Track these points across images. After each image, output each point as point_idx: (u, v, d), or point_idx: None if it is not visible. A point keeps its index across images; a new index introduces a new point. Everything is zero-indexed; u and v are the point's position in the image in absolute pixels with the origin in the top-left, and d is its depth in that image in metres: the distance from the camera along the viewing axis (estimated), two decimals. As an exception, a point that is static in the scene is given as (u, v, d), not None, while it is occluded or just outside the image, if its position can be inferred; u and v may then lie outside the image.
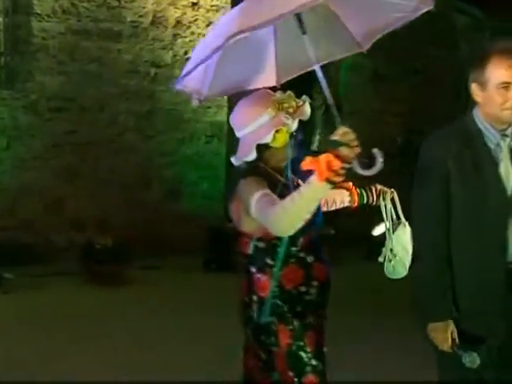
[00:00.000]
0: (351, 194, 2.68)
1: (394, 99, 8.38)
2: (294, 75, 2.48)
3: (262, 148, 2.25)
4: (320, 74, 2.08)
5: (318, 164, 1.86)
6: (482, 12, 8.37)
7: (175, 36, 7.30)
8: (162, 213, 7.16)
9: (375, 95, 8.26)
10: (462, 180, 2.35)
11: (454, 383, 2.46)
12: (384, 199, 2.58)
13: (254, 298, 2.26)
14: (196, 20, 7.39)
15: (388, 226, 2.60)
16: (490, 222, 2.34)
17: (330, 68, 8.41)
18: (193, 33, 7.39)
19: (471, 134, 2.37)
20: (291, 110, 2.23)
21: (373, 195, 2.62)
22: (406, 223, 2.58)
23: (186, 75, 2.25)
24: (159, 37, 7.22)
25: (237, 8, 2.16)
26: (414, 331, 4.90)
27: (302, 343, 2.23)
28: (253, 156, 2.23)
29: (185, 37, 7.36)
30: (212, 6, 7.46)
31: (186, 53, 7.35)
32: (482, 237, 2.35)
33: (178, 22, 7.30)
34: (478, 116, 2.39)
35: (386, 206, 2.57)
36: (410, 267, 2.59)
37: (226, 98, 7.62)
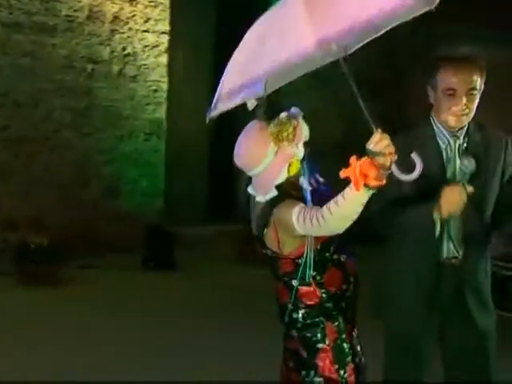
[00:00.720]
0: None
1: (337, 101, 8.48)
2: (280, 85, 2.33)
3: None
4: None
5: (353, 173, 1.89)
6: (419, 18, 8.56)
7: (113, 31, 7.17)
8: (100, 211, 7.03)
9: (317, 96, 8.34)
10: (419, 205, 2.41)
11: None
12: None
13: (301, 305, 2.32)
14: (134, 16, 7.28)
15: None
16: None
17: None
18: (131, 28, 7.28)
19: (426, 133, 2.46)
20: (291, 137, 2.21)
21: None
22: None
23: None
24: (96, 32, 7.07)
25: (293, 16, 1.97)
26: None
27: (344, 336, 2.32)
28: (273, 194, 2.24)
29: (123, 32, 7.24)
30: (150, 1, 7.36)
31: (124, 49, 7.25)
32: (422, 232, 2.43)
33: (116, 18, 7.17)
34: (433, 117, 2.46)
35: None
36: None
37: (164, 95, 7.59)
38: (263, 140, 2.22)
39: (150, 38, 7.40)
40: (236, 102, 2.15)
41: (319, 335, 2.30)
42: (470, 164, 2.39)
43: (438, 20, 8.50)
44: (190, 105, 8.03)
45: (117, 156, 7.33)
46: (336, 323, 2.31)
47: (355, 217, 2.04)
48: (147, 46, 7.39)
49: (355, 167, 1.89)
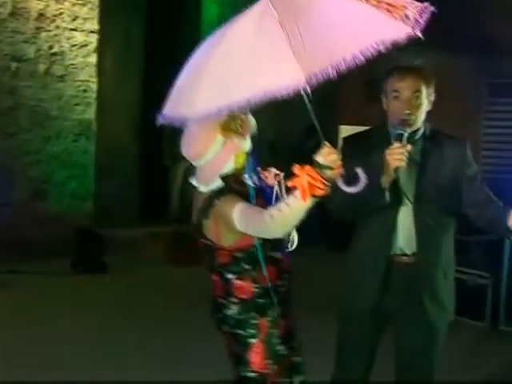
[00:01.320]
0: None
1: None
2: None
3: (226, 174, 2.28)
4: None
5: (301, 184, 1.96)
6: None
7: (38, 29, 6.94)
8: (28, 214, 6.82)
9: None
10: (368, 178, 2.47)
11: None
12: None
13: (234, 299, 2.32)
14: (61, 13, 7.08)
15: None
16: (383, 216, 2.53)
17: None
18: (58, 27, 7.07)
19: (382, 136, 2.57)
20: (239, 130, 2.26)
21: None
22: None
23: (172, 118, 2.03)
24: (20, 29, 6.81)
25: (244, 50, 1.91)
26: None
27: (275, 331, 2.34)
28: (217, 184, 2.26)
29: (49, 30, 7.02)
30: (78, -1, 7.20)
31: (50, 47, 7.04)
32: (374, 228, 2.57)
33: (41, 15, 6.94)
34: (387, 121, 2.60)
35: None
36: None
37: (94, 95, 7.44)
38: (211, 131, 2.24)
39: (79, 37, 7.23)
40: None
41: (252, 331, 2.32)
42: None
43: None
44: (121, 105, 7.92)
45: (44, 157, 7.12)
46: (269, 318, 2.33)
47: (296, 223, 2.11)
48: (75, 45, 7.21)
49: (303, 178, 1.95)
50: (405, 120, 2.49)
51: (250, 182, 2.31)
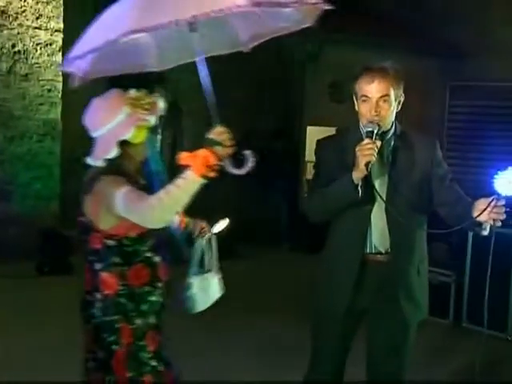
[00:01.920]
0: (180, 220, 2.74)
1: (232, 100, 8.54)
2: (179, 63, 2.56)
3: (122, 145, 2.26)
4: (203, 70, 2.24)
5: (195, 160, 2.00)
6: (313, 26, 8.82)
7: (0, 27, 6.83)
8: (-9, 215, 6.70)
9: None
10: (342, 177, 2.56)
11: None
12: (202, 238, 2.63)
13: (98, 296, 2.24)
14: (24, 11, 6.96)
15: (193, 264, 2.59)
16: (356, 215, 2.58)
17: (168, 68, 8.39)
18: (21, 25, 6.95)
19: (355, 136, 2.60)
20: (148, 107, 2.28)
21: (196, 229, 2.67)
22: (215, 275, 2.67)
23: (76, 58, 2.23)
24: (-20, 26, 6.71)
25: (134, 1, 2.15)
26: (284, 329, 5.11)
27: (143, 343, 2.24)
28: (114, 153, 2.24)
29: (11, 28, 6.90)
30: (42, -3, 7.09)
31: (13, 46, 6.92)
32: (348, 227, 2.62)
33: (3, 12, 6.82)
34: (359, 122, 2.64)
35: (202, 247, 2.61)
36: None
37: (59, 95, 7.33)
38: (117, 101, 2.27)
39: (43, 36, 7.11)
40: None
41: (114, 337, 2.22)
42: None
43: (333, 28, 8.83)
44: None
45: (7, 158, 6.99)
46: (133, 326, 2.24)
47: (179, 209, 2.12)
48: (40, 43, 7.10)
49: (197, 155, 2.01)
50: (374, 121, 2.53)
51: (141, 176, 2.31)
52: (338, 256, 2.67)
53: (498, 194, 2.29)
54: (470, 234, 5.09)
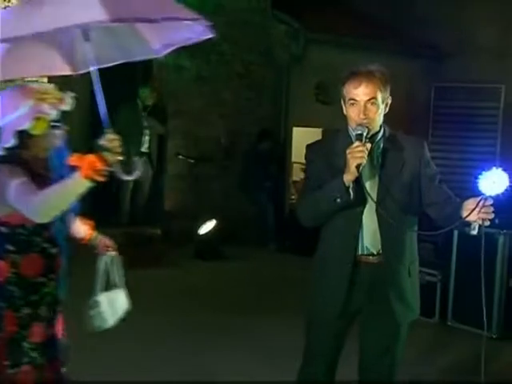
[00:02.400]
0: (87, 233, 2.82)
1: (219, 101, 8.54)
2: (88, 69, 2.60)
3: (23, 136, 2.31)
4: (95, 78, 2.33)
5: (83, 162, 2.08)
6: (298, 22, 8.86)
7: None
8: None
9: (199, 96, 8.36)
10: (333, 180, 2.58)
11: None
12: (106, 255, 2.72)
13: None
14: None
15: (99, 282, 2.69)
16: (348, 217, 2.60)
17: (153, 68, 8.37)
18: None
19: (344, 139, 2.63)
20: (52, 101, 2.34)
21: (100, 246, 2.74)
22: (121, 290, 2.77)
23: None
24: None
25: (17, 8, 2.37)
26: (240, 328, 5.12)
27: (26, 333, 2.24)
28: (12, 142, 2.28)
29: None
30: None
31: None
32: (340, 228, 2.64)
33: None
34: (348, 125, 2.66)
35: (106, 264, 2.70)
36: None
37: None
38: (24, 94, 2.32)
39: None
40: None
41: None
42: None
43: (318, 29, 8.84)
44: (69, 112, 7.79)
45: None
46: (19, 315, 2.24)
47: (65, 208, 2.19)
48: None
49: (85, 158, 2.09)
50: (362, 124, 2.55)
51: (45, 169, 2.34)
52: (331, 257, 2.68)
53: (478, 193, 2.32)
54: (456, 234, 5.13)
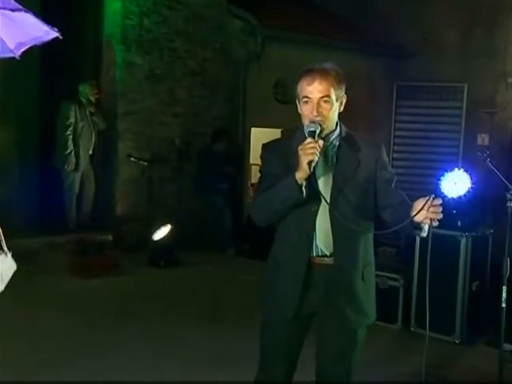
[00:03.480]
0: None
1: (172, 100, 8.51)
2: None
3: None
4: None
5: None
6: (255, 18, 8.90)
7: None
8: None
9: (152, 95, 8.32)
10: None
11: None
12: None
13: None
14: None
15: None
16: (301, 217, 2.64)
17: (102, 65, 8.29)
18: None
19: (299, 139, 2.63)
20: None
21: None
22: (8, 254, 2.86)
23: None
24: None
25: None
26: (199, 335, 5.11)
27: None
28: None
29: None
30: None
31: None
32: (293, 230, 2.67)
33: None
34: (303, 125, 2.68)
35: None
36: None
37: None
38: None
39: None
40: None
41: None
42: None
43: (277, 26, 8.89)
44: (17, 109, 7.68)
45: None
46: None
47: None
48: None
49: None
50: (315, 121, 2.59)
51: None
52: (285, 258, 2.71)
53: (438, 194, 2.36)
54: (418, 238, 5.23)
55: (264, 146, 2.84)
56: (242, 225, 8.49)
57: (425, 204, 2.34)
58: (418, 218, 2.37)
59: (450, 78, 9.89)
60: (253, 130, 9.06)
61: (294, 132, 2.77)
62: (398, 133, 10.45)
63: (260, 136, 8.49)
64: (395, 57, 10.34)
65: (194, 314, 5.57)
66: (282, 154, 2.71)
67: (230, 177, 8.63)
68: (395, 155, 10.22)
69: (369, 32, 10.25)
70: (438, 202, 2.35)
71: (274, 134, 7.94)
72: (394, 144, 10.34)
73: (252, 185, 9.03)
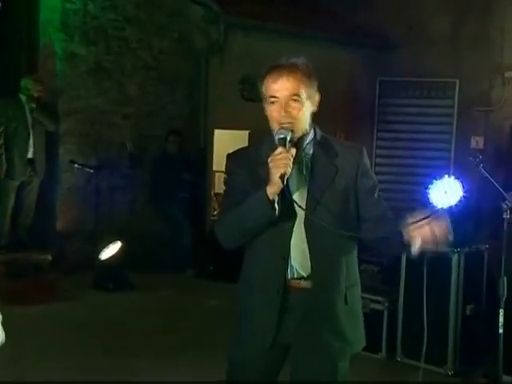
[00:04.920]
0: None
1: (123, 98, 8.45)
2: None
3: None
4: None
5: None
6: (218, 4, 8.90)
7: None
8: None
9: (99, 92, 8.25)
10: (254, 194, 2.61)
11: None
12: None
13: None
14: None
15: None
16: (275, 235, 2.63)
17: (41, 57, 8.20)
18: None
19: (269, 146, 2.63)
20: None
21: None
22: None
23: None
24: None
25: None
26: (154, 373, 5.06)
27: None
28: None
29: None
30: None
31: None
32: (266, 250, 2.67)
33: None
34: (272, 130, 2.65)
35: None
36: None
37: None
38: None
39: None
40: None
41: None
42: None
43: (244, 13, 8.92)
44: None
45: None
46: None
47: None
48: None
49: None
50: (284, 124, 2.59)
51: None
52: (257, 282, 2.71)
53: (434, 207, 2.36)
54: (404, 255, 5.24)
55: (229, 155, 2.83)
56: (204, 241, 8.44)
57: (427, 217, 2.35)
58: (414, 234, 2.38)
59: (439, 73, 10.00)
60: (216, 131, 9.04)
61: (262, 139, 2.76)
62: (381, 135, 10.52)
63: (224, 138, 8.49)
64: (378, 48, 10.42)
65: (148, 347, 5.52)
66: (250, 165, 2.70)
67: (189, 185, 8.59)
68: (378, 160, 10.28)
69: (348, 20, 10.32)
70: (446, 221, 2.35)
71: (240, 136, 7.95)
72: (376, 148, 10.40)
73: (216, 194, 8.98)
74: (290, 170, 2.50)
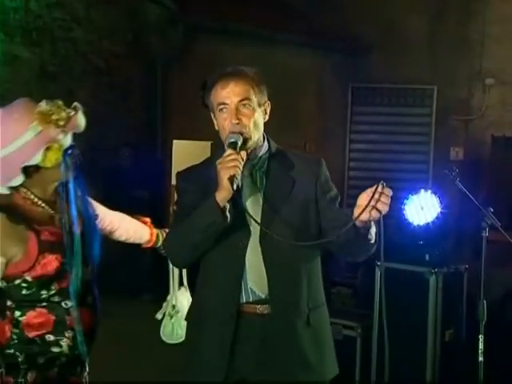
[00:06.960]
0: (150, 233, 3.21)
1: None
2: None
3: (28, 169, 2.40)
4: None
5: None
6: (177, 4, 8.91)
7: None
8: None
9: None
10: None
11: None
12: None
13: None
14: None
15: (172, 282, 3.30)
16: (228, 253, 2.65)
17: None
18: None
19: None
20: (62, 123, 2.41)
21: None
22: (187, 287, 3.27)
23: None
24: None
25: None
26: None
27: None
28: (20, 180, 2.39)
29: None
30: None
31: None
32: (219, 270, 2.69)
33: None
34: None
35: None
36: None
37: None
38: (25, 116, 2.39)
39: None
40: None
41: None
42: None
43: (201, 12, 8.94)
44: None
45: None
46: (20, 380, 2.36)
47: None
48: None
49: None
50: (235, 131, 2.61)
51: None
52: (208, 308, 2.70)
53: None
54: (378, 275, 5.23)
55: (178, 174, 2.87)
56: (163, 262, 8.37)
57: (372, 196, 2.35)
58: (363, 218, 2.37)
59: (416, 79, 10.09)
60: (175, 142, 9.02)
61: (213, 154, 2.80)
62: (354, 146, 10.57)
63: (185, 150, 8.48)
64: (350, 52, 10.49)
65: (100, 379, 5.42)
66: (201, 182, 2.72)
67: (143, 201, 8.52)
68: (351, 173, 10.29)
69: (318, 22, 10.37)
70: (389, 192, 2.35)
71: (201, 147, 7.92)
72: (349, 160, 10.42)
73: (175, 211, 8.95)
74: (239, 172, 2.52)
